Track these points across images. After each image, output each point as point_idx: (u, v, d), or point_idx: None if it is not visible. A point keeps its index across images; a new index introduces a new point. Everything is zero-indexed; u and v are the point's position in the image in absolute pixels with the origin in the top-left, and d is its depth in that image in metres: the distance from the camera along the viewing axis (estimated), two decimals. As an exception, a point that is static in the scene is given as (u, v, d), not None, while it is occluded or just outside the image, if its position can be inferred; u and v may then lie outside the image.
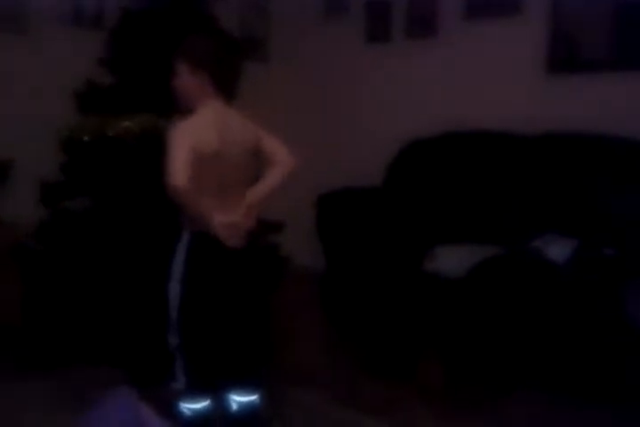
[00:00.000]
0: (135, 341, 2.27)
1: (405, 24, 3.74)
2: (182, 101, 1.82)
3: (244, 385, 1.84)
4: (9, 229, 2.76)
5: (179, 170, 1.61)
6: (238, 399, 1.83)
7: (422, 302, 2.66)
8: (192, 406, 1.78)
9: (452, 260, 2.66)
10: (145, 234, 2.27)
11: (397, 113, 3.73)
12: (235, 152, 1.77)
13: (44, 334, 2.52)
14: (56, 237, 2.50)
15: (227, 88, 1.80)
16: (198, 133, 1.70)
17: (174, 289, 1.77)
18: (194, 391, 1.78)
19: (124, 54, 2.38)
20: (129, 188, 2.27)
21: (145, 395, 1.89)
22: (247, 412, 1.84)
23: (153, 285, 1.87)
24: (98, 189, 2.35)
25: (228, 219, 1.70)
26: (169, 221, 1.88)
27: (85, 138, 2.27)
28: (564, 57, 3.16)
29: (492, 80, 3.39)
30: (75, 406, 2.09)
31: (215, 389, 1.83)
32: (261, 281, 1.91)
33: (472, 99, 3.44)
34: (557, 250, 2.58)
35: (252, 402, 1.84)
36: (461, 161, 3.30)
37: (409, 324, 2.68)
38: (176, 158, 1.63)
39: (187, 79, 1.77)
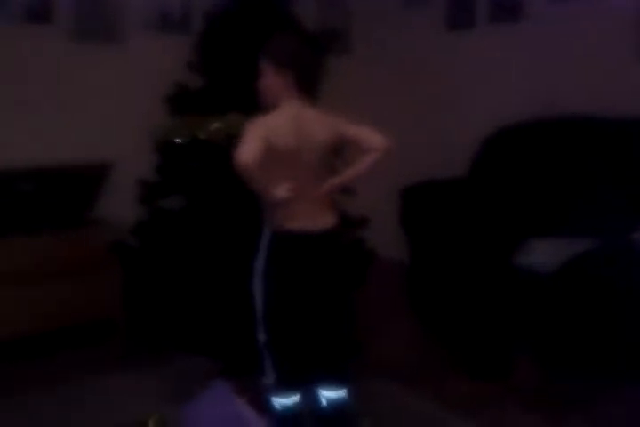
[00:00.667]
0: (229, 333, 2.35)
1: (488, 9, 3.62)
2: (265, 100, 1.85)
3: (332, 380, 1.87)
4: (109, 226, 2.93)
5: (247, 150, 1.64)
6: (327, 395, 1.87)
7: (514, 297, 2.60)
8: (282, 401, 1.84)
9: (546, 253, 2.57)
10: (235, 231, 2.34)
11: (483, 101, 3.62)
12: (310, 151, 1.78)
13: (143, 327, 2.67)
14: (153, 234, 2.63)
15: (310, 87, 1.82)
16: (274, 128, 1.73)
17: (258, 286, 1.82)
18: (283, 387, 1.83)
19: (211, 57, 2.45)
20: (220, 187, 2.35)
21: (241, 386, 1.98)
22: (336, 407, 1.87)
23: (242, 281, 1.92)
24: (191, 189, 2.44)
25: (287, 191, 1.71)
26: (257, 219, 1.93)
27: (178, 140, 2.36)
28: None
29: (582, 65, 3.22)
30: (173, 396, 2.22)
31: (304, 384, 1.87)
32: (346, 276, 1.92)
33: (561, 85, 3.29)
34: (659, 243, 2.44)
35: (341, 397, 1.87)
36: (552, 148, 3.16)
37: (500, 319, 2.62)
38: (247, 142, 1.67)
39: (271, 79, 1.80)
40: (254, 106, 2.10)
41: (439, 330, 2.97)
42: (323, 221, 1.84)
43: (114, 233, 2.82)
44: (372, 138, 1.81)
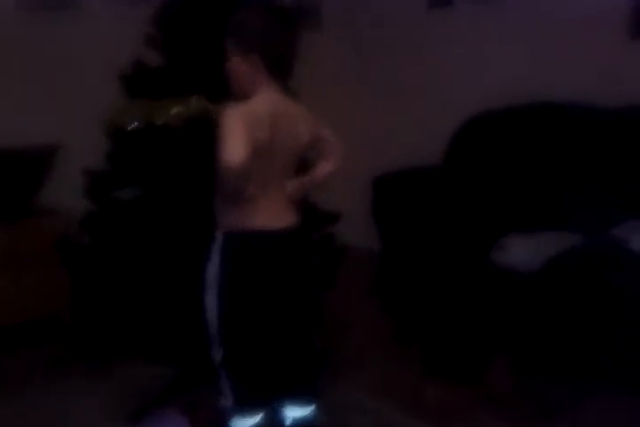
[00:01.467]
0: (183, 339, 2.15)
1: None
2: (235, 87, 1.64)
3: (299, 397, 1.71)
4: (56, 217, 2.68)
5: (238, 146, 1.43)
6: (293, 413, 1.71)
7: (491, 298, 2.46)
8: (242, 424, 1.66)
9: (524, 251, 2.44)
10: (195, 227, 2.13)
11: (461, 84, 3.44)
12: (285, 148, 1.62)
13: (91, 327, 2.46)
14: (102, 228, 2.39)
15: (283, 72, 1.62)
16: (253, 120, 1.53)
17: (211, 300, 1.63)
18: (243, 408, 1.66)
19: (172, 31, 2.19)
20: (179, 178, 2.13)
21: (195, 401, 1.80)
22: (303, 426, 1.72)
23: (194, 288, 1.73)
24: (146, 179, 2.20)
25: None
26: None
27: (132, 124, 2.11)
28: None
29: (567, 47, 3.06)
30: (117, 413, 2.02)
31: (267, 403, 1.70)
32: (314, 278, 1.76)
33: (544, 68, 3.13)
34: (641, 239, 2.33)
35: (308, 415, 1.72)
36: (532, 137, 3.01)
37: (475, 321, 2.49)
38: (234, 135, 1.45)
39: (237, 63, 1.59)
40: (220, 90, 1.89)
41: (410, 328, 2.83)
42: (286, 218, 1.67)
43: (61, 225, 2.59)
44: (336, 144, 1.75)
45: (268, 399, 1.70)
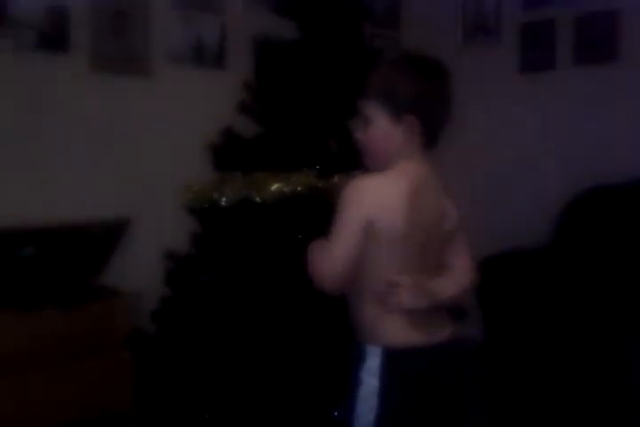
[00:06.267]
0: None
1: (574, 47, 3.12)
2: (374, 156, 1.31)
3: None
4: (120, 300, 2.32)
5: (342, 260, 1.19)
6: None
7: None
8: None
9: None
10: (300, 325, 1.75)
11: (569, 156, 3.08)
12: (433, 232, 1.27)
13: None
14: (181, 317, 2.04)
15: (435, 138, 1.29)
16: (381, 204, 1.21)
17: None
18: None
19: (270, 96, 1.90)
20: (279, 265, 1.78)
21: None
22: None
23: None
24: (237, 266, 1.86)
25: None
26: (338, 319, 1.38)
27: (223, 202, 1.80)
28: None
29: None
30: None
31: None
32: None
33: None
34: None
35: None
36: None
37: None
38: (341, 239, 1.20)
39: (386, 129, 1.26)
40: (327, 162, 1.57)
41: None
42: (445, 327, 1.32)
43: (125, 309, 2.25)
44: (466, 257, 1.37)
45: None
